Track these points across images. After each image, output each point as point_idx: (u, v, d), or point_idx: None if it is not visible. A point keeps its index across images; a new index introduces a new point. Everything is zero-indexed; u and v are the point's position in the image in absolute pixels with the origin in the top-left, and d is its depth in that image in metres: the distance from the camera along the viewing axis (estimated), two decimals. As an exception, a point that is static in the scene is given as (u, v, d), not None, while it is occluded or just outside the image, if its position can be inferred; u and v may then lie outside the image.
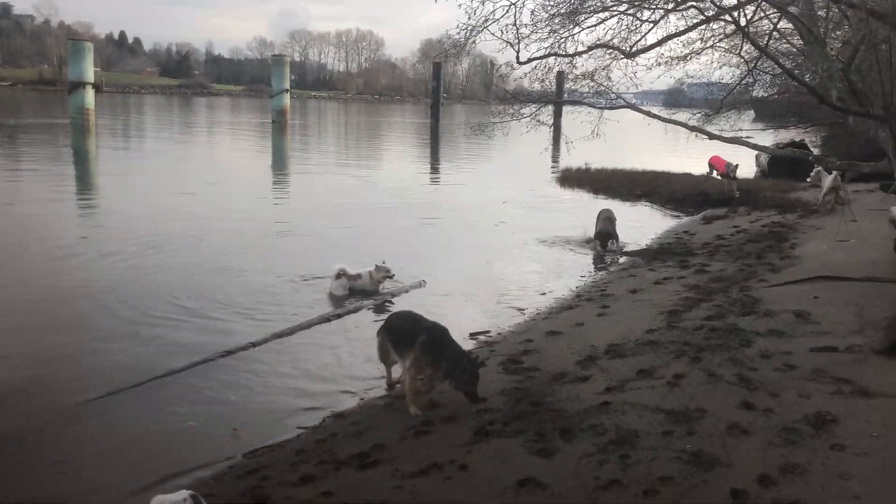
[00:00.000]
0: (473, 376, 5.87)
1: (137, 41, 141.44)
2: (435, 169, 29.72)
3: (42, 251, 11.83)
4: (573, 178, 23.08)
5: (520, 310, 9.67)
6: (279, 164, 29.29)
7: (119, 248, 12.27)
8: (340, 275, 10.10)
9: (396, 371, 6.76)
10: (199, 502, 4.12)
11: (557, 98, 20.38)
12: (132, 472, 5.46)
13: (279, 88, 48.06)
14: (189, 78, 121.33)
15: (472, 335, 8.52)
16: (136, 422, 6.29)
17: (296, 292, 10.25)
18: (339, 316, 9.24)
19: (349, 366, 7.67)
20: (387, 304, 9.86)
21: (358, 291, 10.15)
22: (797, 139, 24.71)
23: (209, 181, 21.69)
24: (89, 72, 38.69)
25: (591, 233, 13.89)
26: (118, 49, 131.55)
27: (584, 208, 15.05)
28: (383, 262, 10.24)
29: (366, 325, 8.99)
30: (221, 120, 55.95)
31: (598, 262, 12.88)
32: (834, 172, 15.62)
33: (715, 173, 20.43)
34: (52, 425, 6.15)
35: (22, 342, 7.98)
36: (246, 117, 57.89)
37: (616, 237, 13.66)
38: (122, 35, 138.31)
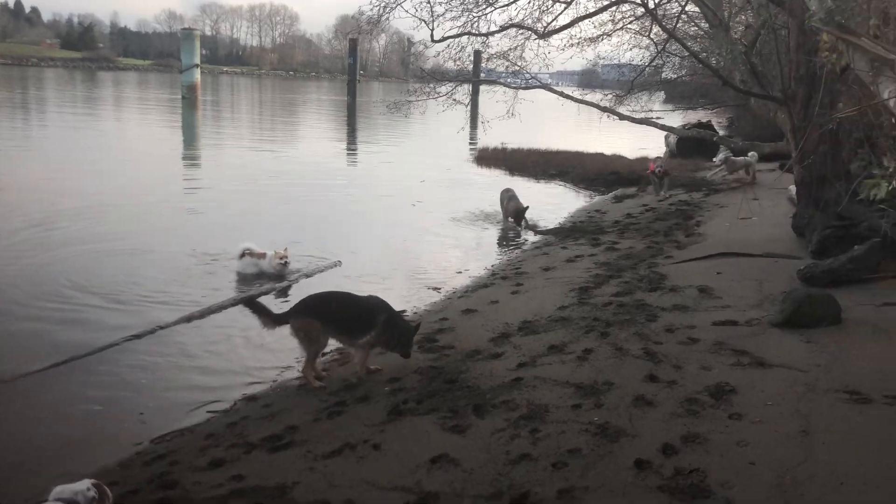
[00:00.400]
0: (411, 340, 6.47)
1: (35, 11, 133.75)
2: (352, 147, 29.43)
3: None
4: (490, 158, 23.30)
5: (436, 289, 9.71)
6: (190, 142, 28.40)
7: (17, 227, 11.68)
8: (244, 254, 9.89)
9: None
10: (102, 491, 3.98)
11: (474, 77, 20.51)
12: (33, 460, 5.24)
13: (189, 63, 46.50)
14: (93, 51, 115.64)
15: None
16: (38, 408, 6.03)
17: (208, 273, 10.01)
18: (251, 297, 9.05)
19: (261, 349, 7.53)
20: (296, 285, 9.72)
21: (269, 272, 9.94)
22: (704, 120, 25.55)
23: (116, 158, 20.85)
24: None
25: (507, 211, 14.05)
26: (14, 19, 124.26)
27: (501, 188, 15.17)
28: (285, 250, 9.98)
29: (280, 307, 8.86)
30: (129, 95, 53.78)
31: (513, 240, 13.04)
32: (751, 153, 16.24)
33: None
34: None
35: None
36: (154, 93, 55.81)
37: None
38: (18, 3, 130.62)
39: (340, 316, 6.33)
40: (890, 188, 3.90)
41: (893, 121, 4.17)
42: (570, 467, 4.29)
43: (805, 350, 5.90)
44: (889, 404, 4.73)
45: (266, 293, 9.29)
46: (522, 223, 13.71)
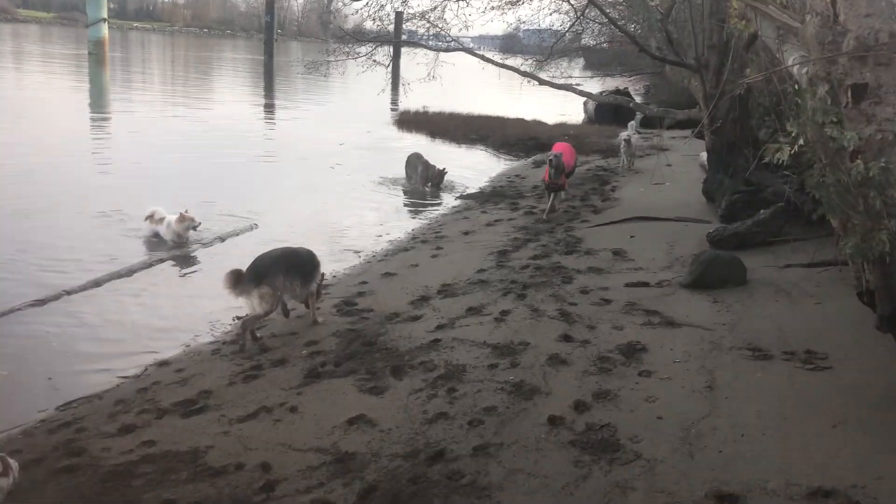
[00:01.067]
0: None
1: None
2: (269, 108, 28.64)
3: None
4: (411, 122, 23.08)
5: (356, 252, 9.62)
6: (98, 100, 27.06)
7: None
8: (148, 218, 9.57)
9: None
10: (6, 463, 3.82)
11: (395, 38, 20.22)
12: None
13: (96, 17, 44.04)
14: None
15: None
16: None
17: (120, 235, 9.63)
18: (161, 261, 8.79)
19: (173, 312, 7.32)
20: (210, 248, 9.48)
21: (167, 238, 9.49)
22: (622, 87, 25.98)
23: (16, 114, 19.73)
24: None
25: (425, 176, 14.01)
26: None
27: (423, 151, 15.04)
28: (186, 211, 9.42)
29: (191, 270, 8.66)
30: (31, 50, 50.76)
31: (433, 204, 13.03)
32: (630, 123, 16.45)
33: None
34: None
35: None
36: (59, 48, 52.81)
37: None
38: None
39: (295, 270, 6.44)
40: (792, 152, 4.05)
41: (796, 87, 4.31)
42: (486, 425, 4.36)
43: (712, 309, 6.14)
44: (787, 360, 4.98)
45: (177, 257, 9.03)
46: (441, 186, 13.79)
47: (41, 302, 7.21)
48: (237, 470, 4.10)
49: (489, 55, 19.39)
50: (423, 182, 13.97)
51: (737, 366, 4.98)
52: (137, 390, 5.48)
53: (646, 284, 6.96)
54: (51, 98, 24.92)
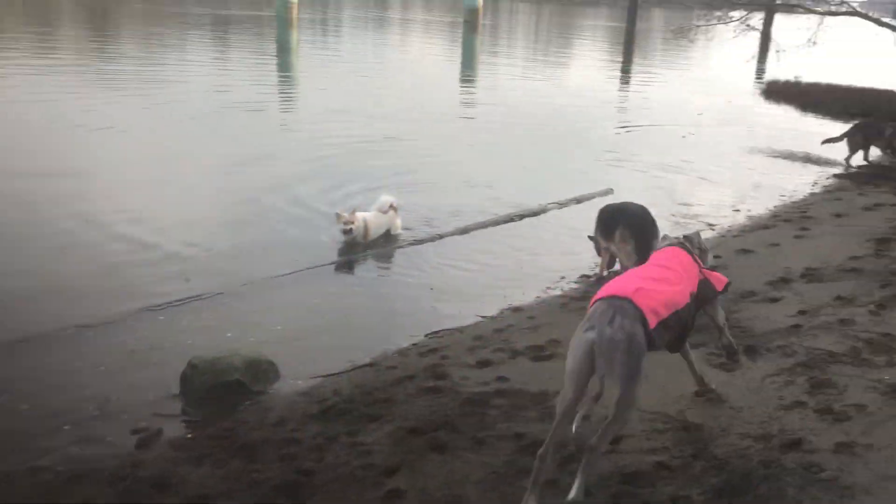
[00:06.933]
0: None
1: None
2: (625, 75, 28.46)
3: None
4: (780, 92, 21.22)
5: (709, 225, 9.26)
6: (468, 64, 29.26)
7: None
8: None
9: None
10: None
11: (772, 1, 18.71)
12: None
13: (472, -13, 47.37)
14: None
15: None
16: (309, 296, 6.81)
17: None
18: (521, 217, 9.27)
19: (529, 265, 7.76)
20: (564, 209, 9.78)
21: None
22: None
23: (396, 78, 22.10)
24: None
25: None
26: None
27: (790, 126, 13.75)
28: (351, 213, 7.95)
29: (547, 229, 9.07)
30: (413, 18, 56.38)
31: (799, 181, 11.94)
32: None
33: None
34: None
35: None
36: (438, 16, 57.91)
37: None
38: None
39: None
40: None
41: None
42: (853, 422, 3.97)
43: None
44: None
45: (537, 213, 9.45)
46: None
47: (420, 241, 8.16)
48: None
49: (886, 20, 17.06)
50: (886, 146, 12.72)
51: None
52: (494, 330, 5.93)
53: None
54: (428, 64, 27.48)
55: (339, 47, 31.74)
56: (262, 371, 5.04)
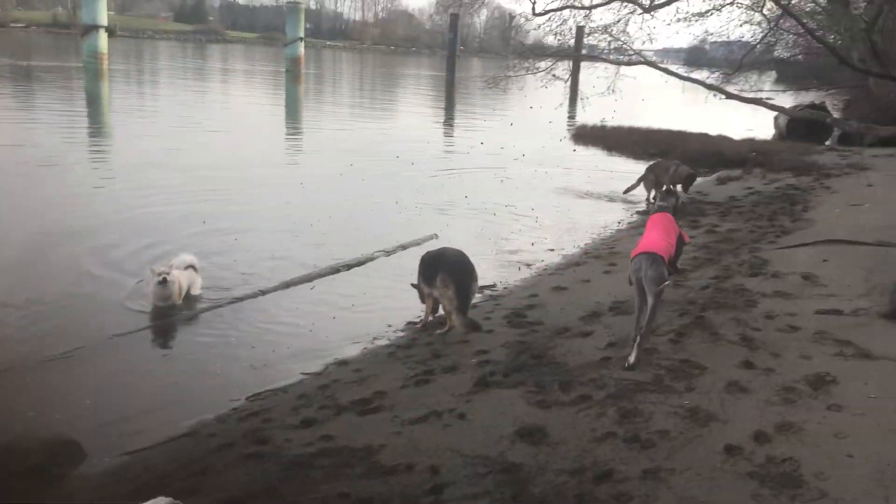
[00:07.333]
0: None
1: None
2: (448, 124, 29.44)
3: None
4: (588, 136, 22.79)
5: (527, 265, 9.66)
6: (292, 114, 29.10)
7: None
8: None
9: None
10: None
11: (575, 52, 20.15)
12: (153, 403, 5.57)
13: (294, 37, 47.37)
14: (203, 24, 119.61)
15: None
16: (148, 361, 6.41)
17: (309, 245, 10.29)
18: (348, 267, 9.22)
19: (353, 316, 7.71)
20: (391, 256, 9.87)
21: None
22: (817, 101, 24.27)
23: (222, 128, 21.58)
24: (103, 15, 38.03)
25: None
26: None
27: (598, 167, 14.78)
28: (168, 266, 7.51)
29: (373, 277, 9.07)
30: (235, 68, 55.50)
31: (607, 219, 12.79)
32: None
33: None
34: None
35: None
36: (260, 66, 57.39)
37: None
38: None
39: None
40: None
41: None
42: (657, 448, 4.23)
43: (915, 344, 5.59)
44: None
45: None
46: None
47: (239, 300, 7.86)
48: (407, 470, 4.23)
49: (673, 68, 18.84)
50: (673, 183, 13.35)
51: (944, 407, 4.50)
52: (318, 387, 5.82)
53: (839, 312, 6.44)
54: (251, 113, 27.05)
55: (157, 99, 30.55)
56: (63, 452, 4.64)
